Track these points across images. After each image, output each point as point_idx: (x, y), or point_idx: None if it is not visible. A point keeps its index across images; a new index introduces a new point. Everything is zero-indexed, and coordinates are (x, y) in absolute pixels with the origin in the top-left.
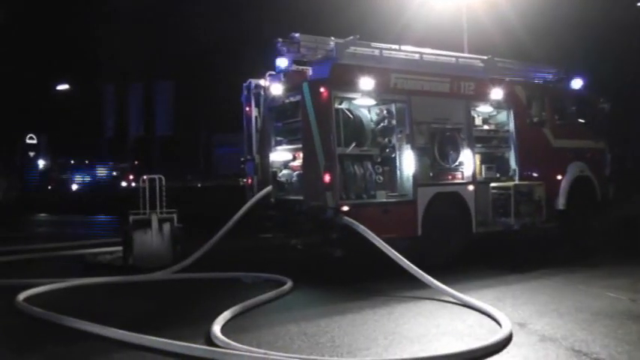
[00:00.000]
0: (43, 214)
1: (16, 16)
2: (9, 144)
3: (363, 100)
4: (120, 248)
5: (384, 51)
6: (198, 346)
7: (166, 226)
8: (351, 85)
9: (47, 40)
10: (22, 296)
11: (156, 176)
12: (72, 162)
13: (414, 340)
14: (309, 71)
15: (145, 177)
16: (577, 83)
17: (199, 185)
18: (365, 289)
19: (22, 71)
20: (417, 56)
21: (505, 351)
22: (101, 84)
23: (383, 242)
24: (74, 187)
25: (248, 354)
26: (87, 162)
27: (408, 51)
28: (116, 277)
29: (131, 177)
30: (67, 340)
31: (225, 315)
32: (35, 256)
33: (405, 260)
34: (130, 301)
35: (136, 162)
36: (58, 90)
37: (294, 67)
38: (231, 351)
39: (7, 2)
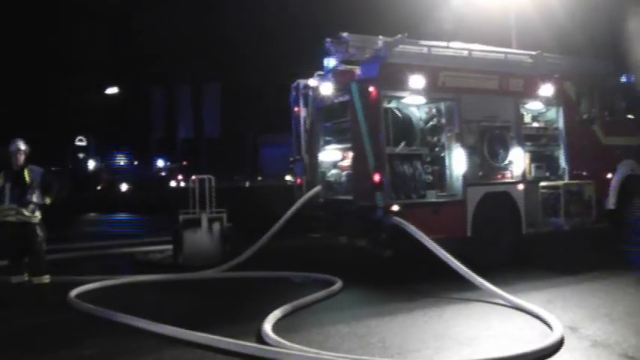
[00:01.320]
0: (93, 214)
1: (67, 20)
2: (59, 146)
3: (412, 99)
4: (170, 247)
5: (432, 48)
6: (250, 344)
7: (216, 226)
8: (399, 84)
9: (97, 43)
10: (74, 293)
11: (205, 176)
12: (121, 163)
13: (465, 342)
14: (358, 71)
15: (194, 177)
16: (627, 78)
17: (246, 185)
18: (414, 290)
19: (73, 75)
20: (465, 53)
21: (557, 355)
22: (150, 86)
23: (433, 242)
24: (123, 187)
25: (299, 353)
26: (136, 163)
27: (456, 48)
28: (166, 275)
29: (179, 177)
30: (118, 336)
31: (276, 314)
32: (86, 254)
33: (455, 261)
34: (179, 298)
35: (184, 162)
36: (108, 93)
37: (343, 67)
38: (282, 350)
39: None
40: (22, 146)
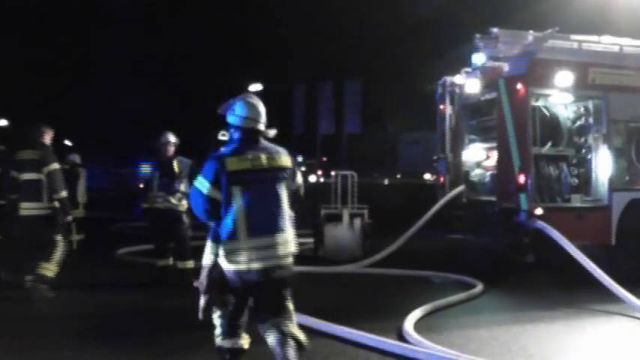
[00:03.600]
0: None
1: (206, 17)
2: (204, 141)
3: (560, 97)
4: (310, 240)
5: (582, 44)
6: (391, 341)
7: (357, 221)
8: (548, 81)
9: (240, 40)
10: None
11: (348, 172)
12: None
13: None
14: (506, 67)
15: (337, 172)
16: None
17: (385, 183)
18: (556, 298)
19: (219, 73)
20: (615, 48)
21: None
22: (292, 83)
23: (576, 249)
24: None
25: (441, 354)
26: None
27: (606, 43)
28: (307, 267)
29: (319, 172)
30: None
31: (417, 313)
32: None
33: (599, 270)
34: (319, 291)
35: (323, 158)
36: (251, 91)
37: (491, 64)
38: (424, 350)
39: (200, 6)
40: (172, 139)
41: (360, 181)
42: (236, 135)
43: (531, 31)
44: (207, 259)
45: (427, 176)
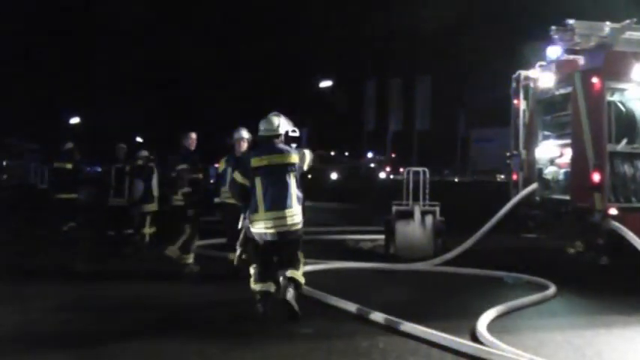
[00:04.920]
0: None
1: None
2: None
3: (636, 92)
4: (380, 237)
5: None
6: (465, 341)
7: (429, 219)
8: (625, 75)
9: (312, 38)
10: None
11: (420, 169)
12: (331, 154)
13: None
14: (581, 60)
15: (409, 169)
16: None
17: (456, 180)
18: (630, 302)
19: (291, 70)
20: None
21: None
22: (363, 80)
23: None
24: (333, 176)
25: (515, 357)
26: (346, 154)
27: None
28: (378, 264)
29: (388, 169)
30: (331, 319)
31: (490, 313)
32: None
33: None
34: (391, 288)
35: (393, 155)
36: (322, 87)
37: (566, 57)
38: (498, 352)
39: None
40: (245, 135)
41: (430, 179)
42: (260, 141)
43: (608, 23)
44: (242, 225)
45: (499, 174)
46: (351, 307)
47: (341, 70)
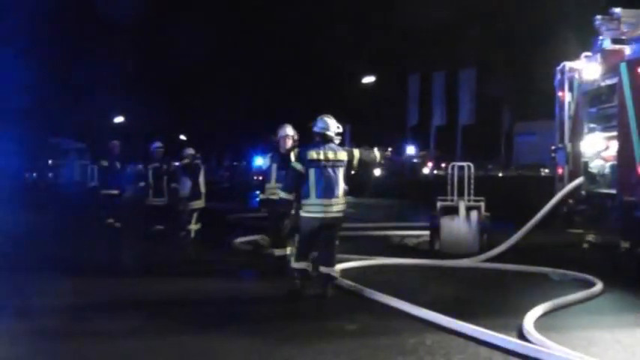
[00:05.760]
0: (348, 197)
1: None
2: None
3: None
4: (425, 233)
5: None
6: (514, 340)
7: (474, 214)
8: None
9: (355, 33)
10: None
11: (465, 163)
12: (375, 149)
13: None
14: (628, 50)
15: (453, 164)
16: None
17: (500, 175)
18: None
19: (331, 65)
20: None
21: None
22: (406, 74)
23: None
24: (376, 172)
25: (565, 356)
26: (389, 150)
27: None
28: (423, 260)
29: (430, 164)
30: (377, 315)
31: (537, 311)
32: (343, 234)
33: None
34: (436, 284)
35: (435, 150)
36: (364, 83)
37: (612, 47)
38: (547, 350)
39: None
40: (290, 132)
41: (474, 174)
42: (316, 138)
43: None
44: (294, 210)
45: (543, 168)
46: (398, 303)
47: (384, 65)
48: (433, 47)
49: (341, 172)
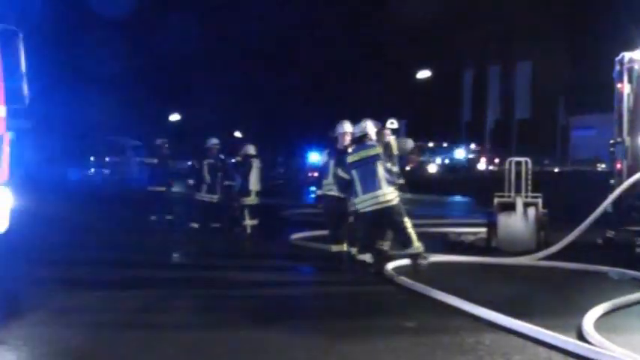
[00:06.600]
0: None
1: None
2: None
3: None
4: (483, 230)
5: None
6: (574, 341)
7: (531, 211)
8: None
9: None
10: (390, 266)
11: (522, 159)
12: (430, 145)
13: None
14: None
15: (510, 159)
16: None
17: (556, 170)
18: None
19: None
20: None
21: None
22: (460, 69)
23: None
24: (432, 169)
25: (626, 359)
26: (445, 145)
27: None
28: (481, 258)
29: (483, 160)
30: (436, 313)
31: (596, 311)
32: None
33: None
34: (495, 282)
35: (488, 145)
36: (419, 78)
37: None
38: (609, 352)
39: None
40: (348, 128)
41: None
42: (355, 141)
43: None
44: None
45: (601, 165)
46: (456, 301)
47: (438, 59)
48: (488, 41)
49: (380, 166)
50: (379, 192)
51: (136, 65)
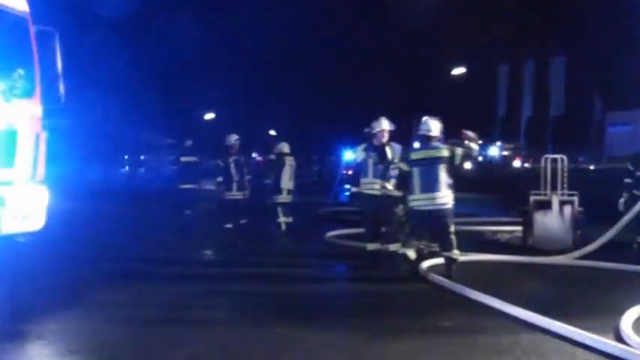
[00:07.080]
0: None
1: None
2: (404, 124)
3: None
4: (518, 228)
5: None
6: (612, 342)
7: (567, 209)
8: None
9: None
10: (425, 264)
11: (558, 156)
12: (481, 143)
13: None
14: None
15: (546, 156)
16: None
17: (591, 168)
18: None
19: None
20: None
21: None
22: (495, 64)
23: None
24: (466, 166)
25: None
26: (480, 142)
27: None
28: (518, 257)
29: (519, 158)
30: (472, 312)
31: (634, 312)
32: None
33: None
34: (531, 281)
35: (524, 142)
36: (454, 75)
37: None
38: None
39: None
40: (386, 126)
41: (554, 166)
42: (418, 138)
43: None
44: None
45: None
46: (493, 301)
47: (473, 56)
48: (522, 35)
49: (442, 168)
50: (438, 194)
51: (171, 64)
